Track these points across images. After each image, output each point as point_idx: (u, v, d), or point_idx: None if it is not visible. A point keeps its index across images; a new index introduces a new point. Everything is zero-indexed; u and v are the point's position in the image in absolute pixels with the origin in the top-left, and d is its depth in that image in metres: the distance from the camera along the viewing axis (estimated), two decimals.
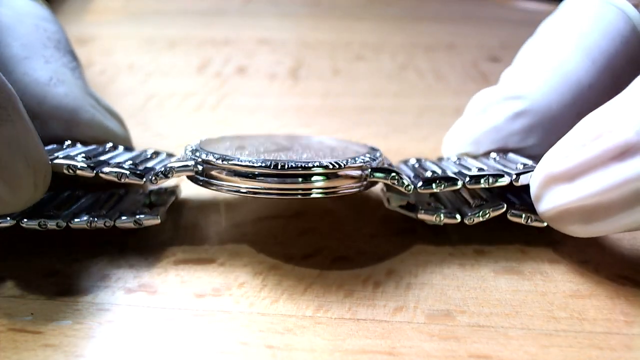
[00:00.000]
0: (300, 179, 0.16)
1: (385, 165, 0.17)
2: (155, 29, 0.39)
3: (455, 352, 0.14)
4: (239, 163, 0.16)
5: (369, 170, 0.16)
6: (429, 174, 0.17)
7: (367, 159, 0.17)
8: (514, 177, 0.17)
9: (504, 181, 0.17)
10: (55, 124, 0.18)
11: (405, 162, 0.20)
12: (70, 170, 0.16)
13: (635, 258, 0.18)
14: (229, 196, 0.21)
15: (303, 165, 0.15)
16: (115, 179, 0.16)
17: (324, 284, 0.16)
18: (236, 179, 0.16)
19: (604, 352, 0.14)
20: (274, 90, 0.31)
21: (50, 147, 0.18)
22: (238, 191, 0.16)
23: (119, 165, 0.17)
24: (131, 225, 0.17)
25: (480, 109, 0.20)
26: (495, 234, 0.19)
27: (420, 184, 0.17)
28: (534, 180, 0.16)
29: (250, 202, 0.21)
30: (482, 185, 0.17)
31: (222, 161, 0.16)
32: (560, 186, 0.15)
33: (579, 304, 0.16)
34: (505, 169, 0.17)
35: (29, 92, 0.17)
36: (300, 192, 0.16)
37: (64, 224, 0.16)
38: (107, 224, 0.17)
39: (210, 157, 0.16)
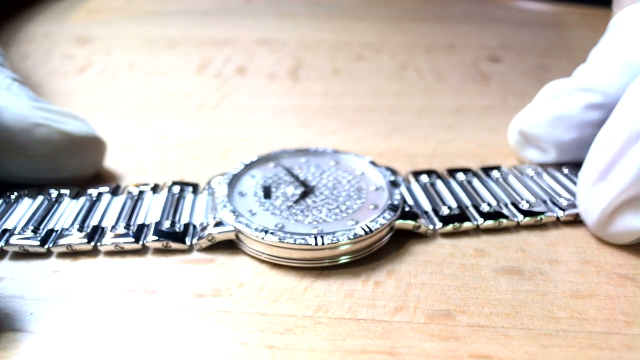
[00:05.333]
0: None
1: (407, 209, 0.19)
2: (155, 29, 0.39)
3: (455, 352, 0.14)
4: (272, 240, 0.17)
5: (394, 220, 0.18)
6: (445, 211, 0.19)
7: (391, 213, 0.18)
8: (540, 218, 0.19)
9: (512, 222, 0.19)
10: (12, 154, 0.17)
11: (417, 176, 0.21)
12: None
13: (635, 258, 0.18)
14: None
15: (333, 241, 0.16)
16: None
17: (324, 284, 0.16)
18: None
19: (604, 352, 0.14)
20: (274, 90, 0.31)
21: None
22: (265, 256, 0.17)
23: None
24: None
25: (552, 97, 0.21)
26: (495, 234, 0.19)
27: (439, 225, 0.19)
28: (584, 216, 0.18)
29: None
30: (493, 226, 0.19)
31: (259, 232, 0.17)
32: (596, 188, 0.17)
33: (579, 304, 0.16)
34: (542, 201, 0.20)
35: None
36: (327, 260, 0.17)
37: None
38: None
39: (249, 231, 0.17)
